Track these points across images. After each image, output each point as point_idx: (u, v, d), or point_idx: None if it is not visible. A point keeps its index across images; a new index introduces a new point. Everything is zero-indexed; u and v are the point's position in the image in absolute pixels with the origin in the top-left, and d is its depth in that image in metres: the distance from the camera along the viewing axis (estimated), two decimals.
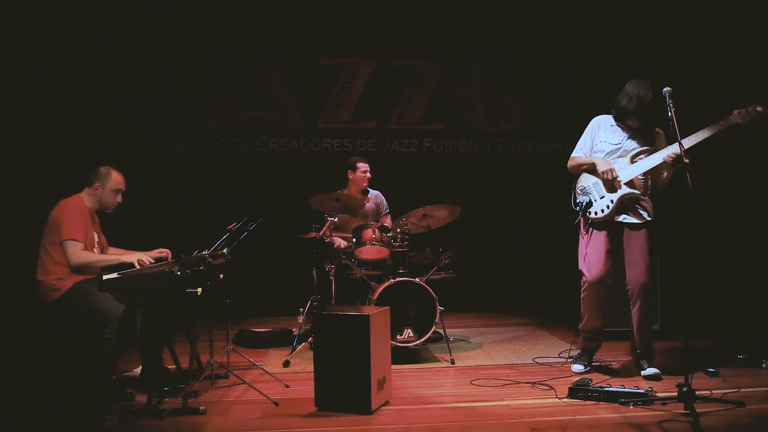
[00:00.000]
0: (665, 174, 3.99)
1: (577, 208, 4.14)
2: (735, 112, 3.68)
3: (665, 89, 3.51)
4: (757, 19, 5.66)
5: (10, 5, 5.52)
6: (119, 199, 3.87)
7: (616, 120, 4.09)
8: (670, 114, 3.47)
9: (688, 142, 3.68)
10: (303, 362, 4.44)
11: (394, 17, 6.57)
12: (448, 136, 6.97)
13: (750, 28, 5.77)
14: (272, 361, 4.54)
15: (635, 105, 3.90)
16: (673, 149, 3.77)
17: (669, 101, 3.49)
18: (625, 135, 4.05)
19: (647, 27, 6.39)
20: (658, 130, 4.07)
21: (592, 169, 4.06)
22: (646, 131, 4.05)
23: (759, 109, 3.64)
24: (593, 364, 4.19)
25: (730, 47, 5.87)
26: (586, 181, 4.12)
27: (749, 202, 5.67)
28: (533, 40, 6.75)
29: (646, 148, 3.99)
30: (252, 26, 6.53)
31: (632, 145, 4.02)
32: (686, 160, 3.38)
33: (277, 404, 3.49)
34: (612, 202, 3.95)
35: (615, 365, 4.24)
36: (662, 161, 3.86)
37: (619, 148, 4.03)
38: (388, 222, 5.34)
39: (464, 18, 6.69)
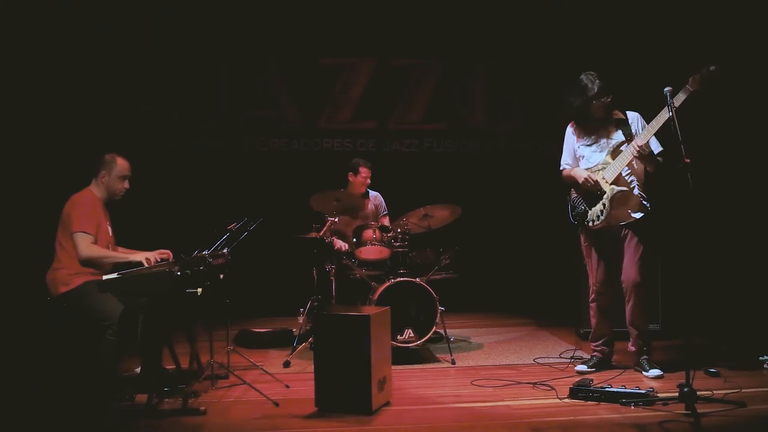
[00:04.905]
0: (645, 164, 3.94)
1: (575, 221, 4.15)
2: (690, 79, 3.59)
3: (666, 89, 3.48)
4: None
5: None
6: (126, 185, 3.86)
7: (577, 124, 4.10)
8: (671, 114, 3.45)
9: (656, 123, 3.68)
10: (303, 362, 4.44)
11: (393, 16, 6.56)
12: (449, 136, 6.96)
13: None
14: (272, 361, 4.54)
15: (583, 99, 3.90)
16: (638, 141, 3.78)
17: (670, 101, 3.47)
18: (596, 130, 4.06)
19: (649, 27, 6.38)
20: (617, 113, 4.01)
21: (576, 183, 4.08)
22: (612, 120, 4.01)
23: (712, 68, 3.54)
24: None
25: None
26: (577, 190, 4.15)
27: (750, 202, 5.66)
28: (534, 39, 6.73)
29: (623, 140, 3.96)
30: (251, 25, 6.52)
31: (607, 136, 4.01)
32: (687, 160, 3.36)
33: (277, 404, 3.49)
34: (604, 206, 3.93)
35: (615, 363, 4.23)
36: (631, 157, 3.84)
37: (598, 144, 4.03)
38: (386, 223, 5.34)
39: (465, 17, 6.67)
